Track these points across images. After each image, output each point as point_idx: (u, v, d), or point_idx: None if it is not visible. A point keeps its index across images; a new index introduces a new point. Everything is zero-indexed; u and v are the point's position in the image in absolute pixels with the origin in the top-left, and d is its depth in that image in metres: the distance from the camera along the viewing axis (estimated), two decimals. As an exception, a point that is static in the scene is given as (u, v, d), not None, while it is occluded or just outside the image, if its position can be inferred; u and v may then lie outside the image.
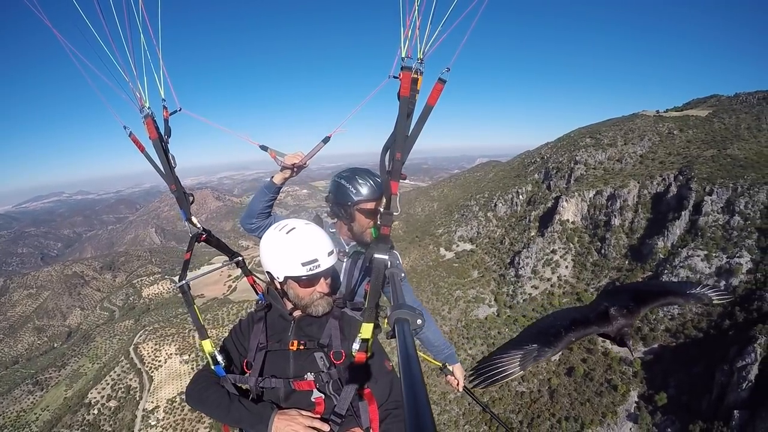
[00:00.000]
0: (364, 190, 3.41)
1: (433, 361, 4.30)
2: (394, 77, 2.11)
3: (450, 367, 4.25)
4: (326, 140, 3.20)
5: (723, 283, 63.51)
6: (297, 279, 2.52)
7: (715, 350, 55.61)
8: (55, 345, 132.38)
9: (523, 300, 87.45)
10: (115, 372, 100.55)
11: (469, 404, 70.82)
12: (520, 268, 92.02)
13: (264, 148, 3.31)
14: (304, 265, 2.46)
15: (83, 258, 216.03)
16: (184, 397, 2.80)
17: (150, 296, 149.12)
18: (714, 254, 67.28)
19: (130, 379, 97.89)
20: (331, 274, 2.70)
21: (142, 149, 2.83)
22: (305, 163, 3.35)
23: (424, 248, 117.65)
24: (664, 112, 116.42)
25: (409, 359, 1.29)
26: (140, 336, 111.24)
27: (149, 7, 2.55)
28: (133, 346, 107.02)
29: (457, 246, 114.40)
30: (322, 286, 2.60)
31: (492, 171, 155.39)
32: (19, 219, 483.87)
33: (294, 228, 2.56)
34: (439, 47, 2.08)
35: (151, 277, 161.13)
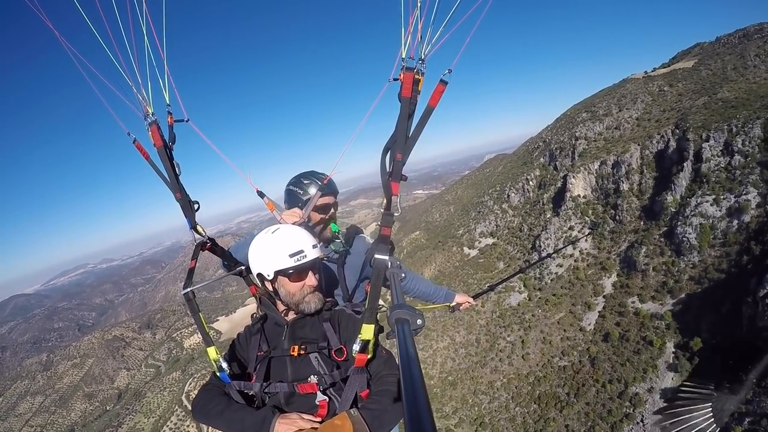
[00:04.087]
0: (311, 189, 3.56)
1: (440, 306, 4.60)
2: (395, 80, 2.13)
3: (454, 303, 4.65)
4: (322, 189, 3.46)
5: (735, 221, 64.88)
6: (286, 272, 2.62)
7: (738, 287, 56.63)
8: (108, 407, 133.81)
9: (551, 280, 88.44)
10: (171, 422, 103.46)
11: (516, 388, 72.94)
12: (542, 251, 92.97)
13: (261, 194, 3.47)
14: (291, 256, 2.58)
15: (120, 322, 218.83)
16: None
17: (192, 346, 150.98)
18: (722, 196, 67.98)
19: (188, 426, 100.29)
20: (319, 270, 2.83)
21: (146, 157, 2.83)
22: (304, 219, 3.40)
23: (448, 251, 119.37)
24: (652, 71, 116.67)
25: (409, 359, 1.30)
26: (190, 384, 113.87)
27: (154, 10, 2.56)
28: (184, 395, 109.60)
29: (479, 242, 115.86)
30: (311, 279, 2.70)
31: (500, 164, 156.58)
32: (49, 296, 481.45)
33: (278, 228, 2.75)
34: (440, 48, 2.10)
35: (189, 329, 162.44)
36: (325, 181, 3.61)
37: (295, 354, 2.58)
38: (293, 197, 3.62)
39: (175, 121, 2.83)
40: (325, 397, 2.54)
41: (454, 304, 4.63)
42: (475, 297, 4.93)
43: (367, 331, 2.35)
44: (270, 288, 2.75)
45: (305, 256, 2.60)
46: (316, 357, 2.60)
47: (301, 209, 3.50)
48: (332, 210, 3.68)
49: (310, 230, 3.27)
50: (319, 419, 2.47)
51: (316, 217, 3.58)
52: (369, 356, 2.44)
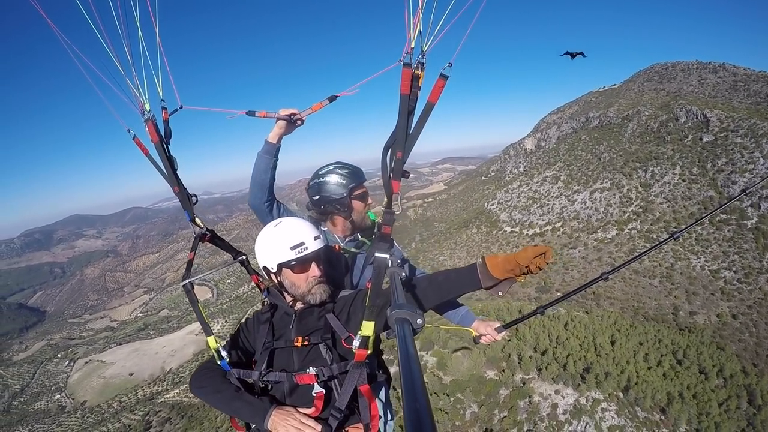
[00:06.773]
0: (351, 178, 3.45)
1: (461, 328, 3.70)
2: (404, 63, 1.96)
3: (473, 330, 3.67)
4: (332, 99, 2.95)
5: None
6: (288, 264, 2.63)
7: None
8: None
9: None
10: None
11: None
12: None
13: (251, 113, 3.13)
14: (292, 248, 2.58)
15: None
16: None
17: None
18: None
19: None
20: (324, 261, 2.82)
21: (145, 152, 2.83)
22: (303, 117, 3.21)
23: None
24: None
25: (409, 359, 1.26)
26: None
27: (147, 4, 2.47)
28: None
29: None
30: (314, 270, 2.69)
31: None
32: (163, 210, 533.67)
33: (281, 221, 2.76)
34: (440, 42, 1.94)
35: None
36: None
37: (299, 345, 2.61)
38: (331, 188, 3.46)
39: (169, 114, 2.83)
40: (322, 390, 2.53)
41: (474, 334, 3.67)
42: (505, 326, 3.61)
43: (367, 328, 2.28)
44: (275, 280, 2.77)
45: (306, 248, 2.61)
46: (323, 346, 2.60)
47: (334, 203, 3.47)
48: (369, 199, 3.63)
49: (346, 222, 3.57)
50: (313, 416, 2.50)
51: (360, 206, 3.56)
52: (369, 352, 2.37)
